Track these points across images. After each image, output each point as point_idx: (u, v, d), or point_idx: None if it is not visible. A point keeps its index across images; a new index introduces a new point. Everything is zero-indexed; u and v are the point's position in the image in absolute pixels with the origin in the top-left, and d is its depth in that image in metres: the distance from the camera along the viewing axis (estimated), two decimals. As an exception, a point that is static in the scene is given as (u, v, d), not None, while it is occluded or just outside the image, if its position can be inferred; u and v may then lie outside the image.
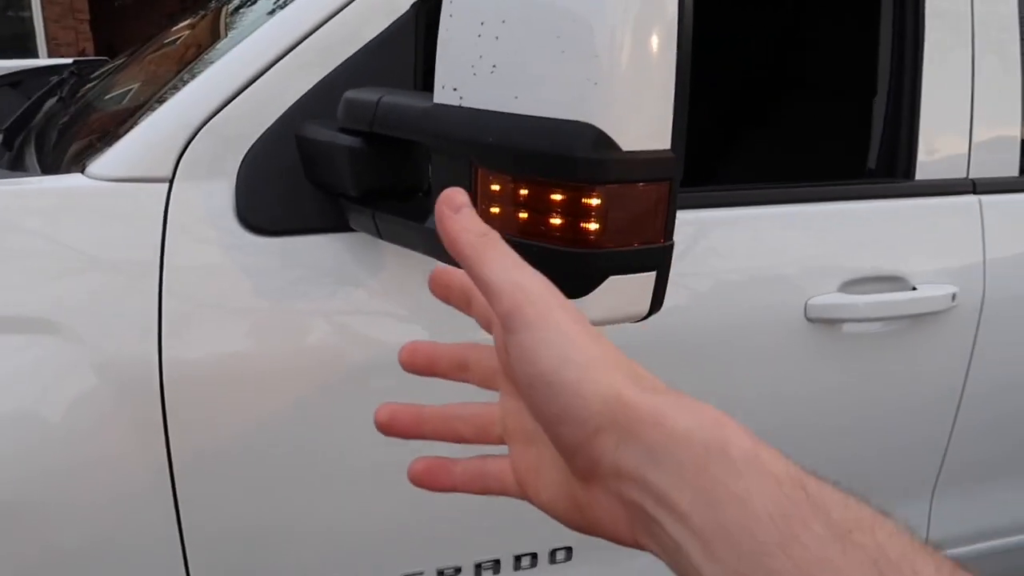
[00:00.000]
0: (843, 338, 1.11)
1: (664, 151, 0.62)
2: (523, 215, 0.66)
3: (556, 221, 0.64)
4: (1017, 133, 1.22)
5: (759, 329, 1.07)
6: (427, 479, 0.37)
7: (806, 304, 1.08)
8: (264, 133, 0.91)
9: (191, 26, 1.46)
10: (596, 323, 0.65)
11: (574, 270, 0.64)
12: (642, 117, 0.61)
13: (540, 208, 0.64)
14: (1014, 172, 1.22)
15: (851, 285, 1.11)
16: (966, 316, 1.17)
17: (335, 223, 0.92)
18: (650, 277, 0.65)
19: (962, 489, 1.28)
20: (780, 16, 1.83)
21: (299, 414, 0.92)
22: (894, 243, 1.15)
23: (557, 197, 0.63)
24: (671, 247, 0.65)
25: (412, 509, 0.98)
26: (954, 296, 1.14)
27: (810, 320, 1.08)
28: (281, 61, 0.92)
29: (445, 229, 0.33)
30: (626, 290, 0.65)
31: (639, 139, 0.61)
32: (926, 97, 1.17)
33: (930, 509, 1.27)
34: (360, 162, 0.83)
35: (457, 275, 0.38)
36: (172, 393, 0.87)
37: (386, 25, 0.94)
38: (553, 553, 1.07)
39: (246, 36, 0.97)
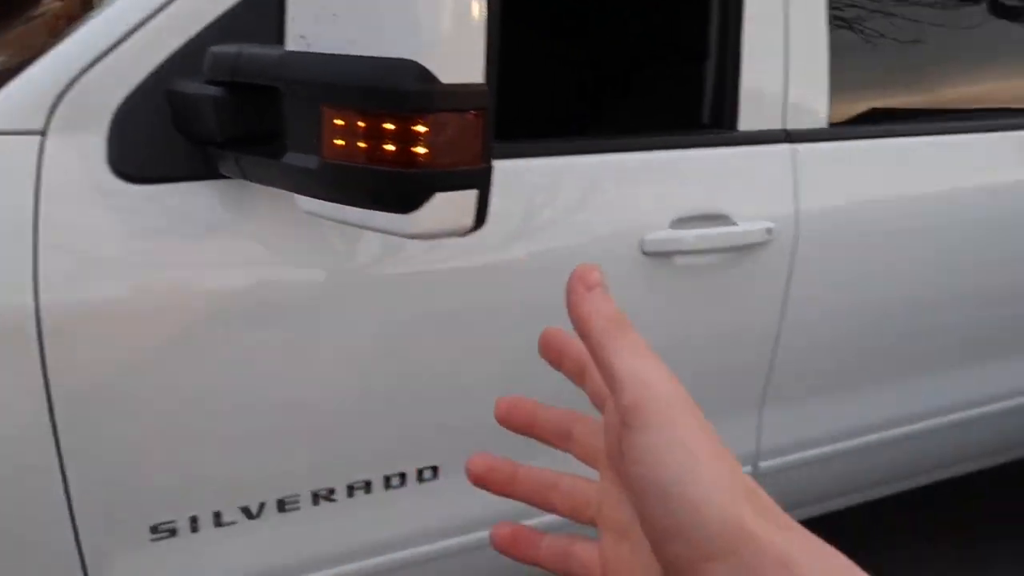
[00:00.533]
0: (675, 270, 1.26)
1: (478, 84, 0.73)
2: (362, 144, 0.76)
3: (390, 147, 0.75)
4: (825, 90, 1.40)
5: (601, 261, 1.21)
6: (510, 546, 0.36)
7: (642, 240, 1.22)
8: (135, 88, 0.98)
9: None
10: (426, 235, 0.77)
11: (406, 188, 0.75)
12: (458, 54, 0.72)
13: (376, 137, 0.75)
14: (823, 124, 1.40)
15: (681, 223, 1.26)
16: (782, 249, 1.34)
17: (205, 170, 1.00)
18: (472, 195, 0.77)
19: (788, 404, 1.46)
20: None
21: (171, 354, 1.00)
22: (720, 186, 1.31)
23: (389, 127, 0.74)
24: (489, 169, 0.77)
25: (273, 440, 1.08)
26: (769, 230, 1.31)
27: (646, 254, 1.23)
28: (152, 20, 0.99)
29: (577, 307, 0.32)
30: (452, 207, 0.76)
31: (456, 74, 0.72)
32: (746, 58, 1.33)
33: (759, 422, 1.45)
34: (224, 110, 0.91)
35: (573, 344, 0.36)
36: (50, 339, 0.93)
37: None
38: (420, 472, 1.18)
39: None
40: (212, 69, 0.92)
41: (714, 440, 0.29)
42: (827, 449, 1.54)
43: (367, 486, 1.14)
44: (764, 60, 1.35)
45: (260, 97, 0.91)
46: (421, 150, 0.74)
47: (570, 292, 0.32)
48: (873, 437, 1.59)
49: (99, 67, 0.97)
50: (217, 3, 1.01)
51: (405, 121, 0.73)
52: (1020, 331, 1.71)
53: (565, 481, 0.36)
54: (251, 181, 0.93)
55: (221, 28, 1.01)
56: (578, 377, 0.37)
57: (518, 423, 0.38)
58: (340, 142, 0.78)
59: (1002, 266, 1.62)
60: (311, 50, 0.77)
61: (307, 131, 0.81)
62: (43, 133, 0.95)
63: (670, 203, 1.26)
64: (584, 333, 0.31)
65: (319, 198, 0.82)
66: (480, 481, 0.37)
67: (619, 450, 0.30)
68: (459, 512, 1.21)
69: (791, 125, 1.37)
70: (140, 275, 0.97)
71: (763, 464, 1.47)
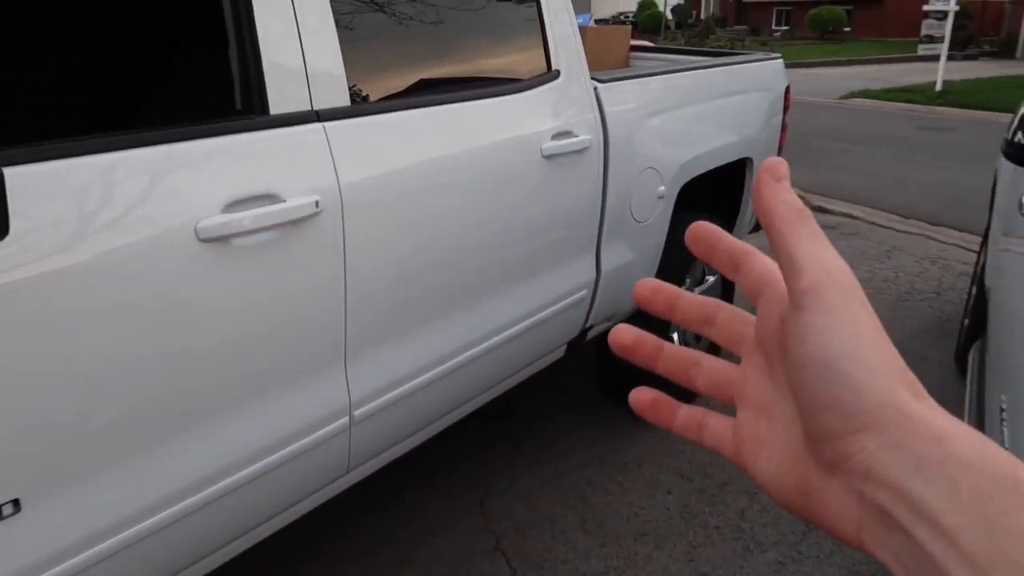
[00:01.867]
0: (234, 252, 1.33)
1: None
2: None
3: None
4: (341, 72, 1.56)
5: (159, 255, 1.22)
6: (650, 411, 0.38)
7: (196, 227, 1.26)
8: None
9: None
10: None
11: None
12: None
13: None
14: (346, 103, 1.56)
15: (233, 206, 1.32)
16: (333, 218, 1.49)
17: None
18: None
19: (368, 355, 1.64)
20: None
21: None
22: (263, 168, 1.40)
23: None
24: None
25: None
26: (317, 203, 1.44)
27: (203, 241, 1.27)
28: None
29: (763, 196, 0.32)
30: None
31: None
32: (263, 45, 1.42)
33: (346, 375, 1.61)
34: None
35: (726, 238, 0.37)
36: None
37: None
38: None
39: None
40: None
41: (878, 328, 0.30)
42: (410, 385, 1.76)
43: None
44: (281, 47, 1.45)
45: None
46: None
47: (759, 182, 0.33)
48: (445, 367, 1.85)
49: None
50: None
51: None
52: (524, 261, 2.12)
53: (707, 360, 0.39)
54: None
55: None
56: (731, 269, 0.37)
57: (660, 306, 0.39)
58: None
59: (499, 212, 1.98)
60: None
61: None
62: None
63: (219, 189, 1.31)
64: (768, 220, 0.32)
65: None
66: (627, 351, 0.39)
67: (781, 332, 0.32)
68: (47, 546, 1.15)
69: (318, 106, 1.51)
70: None
71: (357, 413, 1.64)
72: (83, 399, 1.17)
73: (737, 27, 30.31)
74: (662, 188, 2.51)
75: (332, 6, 1.55)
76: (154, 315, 1.24)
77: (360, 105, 1.60)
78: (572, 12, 2.24)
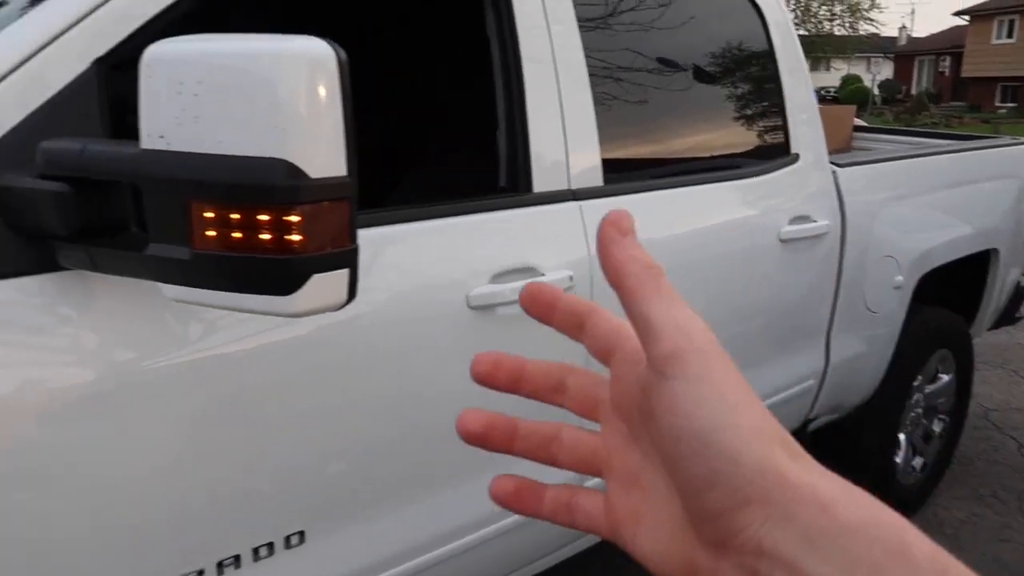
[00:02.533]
0: (499, 320, 1.42)
1: (342, 176, 0.83)
2: (237, 235, 0.82)
3: (265, 236, 0.82)
4: (597, 153, 1.63)
5: (435, 317, 1.33)
6: (514, 501, 0.35)
7: (467, 295, 1.36)
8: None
9: None
10: (305, 313, 0.84)
11: (285, 273, 0.82)
12: (322, 150, 0.81)
13: (251, 227, 0.82)
14: (599, 182, 1.63)
15: (499, 277, 1.41)
16: (582, 292, 1.54)
17: (40, 264, 0.98)
18: (345, 273, 0.86)
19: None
20: (426, 69, 2.16)
21: (29, 450, 0.96)
22: (525, 242, 1.49)
23: (264, 218, 0.81)
24: (356, 249, 0.87)
25: (161, 528, 1.07)
26: (571, 278, 1.51)
27: (472, 308, 1.37)
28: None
29: (610, 254, 0.31)
30: (328, 286, 0.84)
31: (322, 168, 0.81)
32: (532, 128, 1.53)
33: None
34: (69, 205, 0.92)
35: (560, 296, 0.35)
36: None
37: (69, 80, 1.03)
38: (288, 539, 1.21)
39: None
40: (48, 164, 0.93)
41: (747, 389, 0.28)
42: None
43: (236, 560, 1.15)
44: (547, 131, 1.55)
45: (103, 190, 0.93)
46: (296, 237, 0.81)
47: (603, 237, 0.31)
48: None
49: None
50: (33, 96, 1.00)
51: (279, 212, 0.81)
52: (754, 345, 2.06)
53: (567, 433, 0.35)
54: (103, 272, 0.94)
55: (39, 121, 1.01)
56: (574, 330, 0.35)
57: (503, 380, 0.36)
58: (212, 233, 0.83)
59: (733, 295, 1.95)
60: (171, 149, 0.82)
61: (171, 223, 0.85)
62: None
63: (488, 261, 1.41)
64: (617, 279, 0.30)
65: (192, 286, 0.86)
66: (479, 440, 0.35)
67: (643, 399, 0.30)
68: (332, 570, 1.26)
69: (575, 185, 1.59)
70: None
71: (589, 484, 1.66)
72: (365, 441, 1.28)
73: (953, 103, 28.38)
74: (899, 278, 2.38)
75: (592, 94, 1.64)
76: (428, 369, 1.34)
77: (612, 185, 1.66)
78: (814, 96, 2.22)
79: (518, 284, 1.43)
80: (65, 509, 1.00)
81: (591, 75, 1.63)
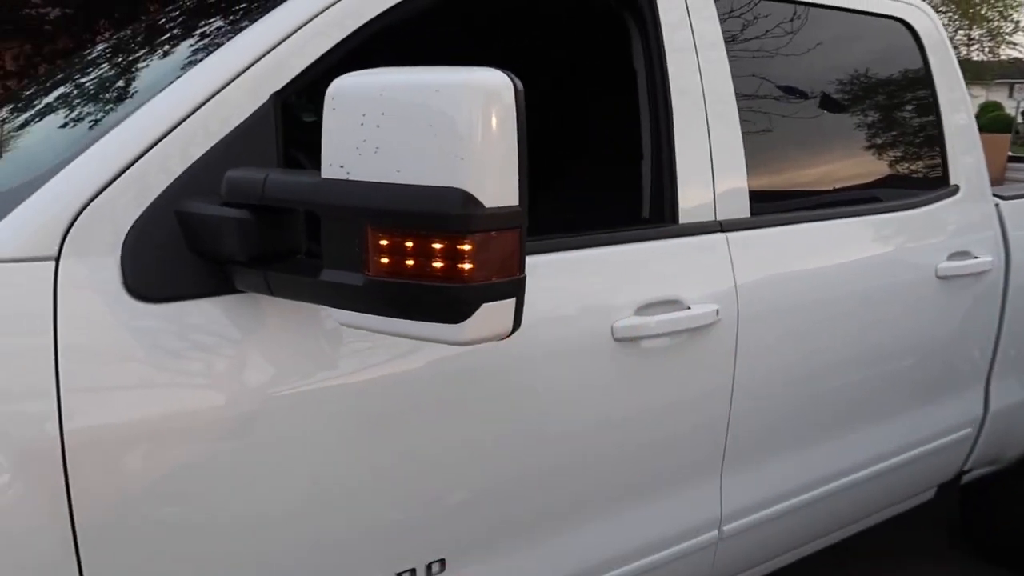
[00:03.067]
0: (643, 353, 1.39)
1: (514, 206, 0.83)
2: (410, 262, 0.84)
3: (438, 264, 0.83)
4: (744, 184, 1.59)
5: (577, 353, 1.31)
6: None
7: (612, 326, 1.34)
8: (146, 210, 1.02)
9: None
10: (473, 342, 0.84)
11: (457, 301, 0.83)
12: (496, 180, 0.82)
13: (424, 255, 0.83)
14: (746, 214, 1.58)
15: (644, 309, 1.39)
16: (728, 326, 1.49)
17: (216, 287, 1.04)
18: (512, 303, 0.86)
19: (744, 468, 1.60)
20: (566, 99, 2.17)
21: (197, 471, 1.01)
22: (670, 274, 1.45)
23: (437, 246, 0.82)
24: (524, 279, 0.87)
25: (308, 551, 1.10)
26: (717, 311, 1.46)
27: (617, 340, 1.35)
28: (157, 146, 1.04)
29: None
30: (495, 315, 0.85)
31: (495, 197, 0.82)
32: (679, 159, 1.50)
33: (721, 487, 1.58)
34: (249, 231, 0.96)
35: None
36: (75, 465, 0.92)
37: (250, 112, 1.09)
38: (429, 566, 1.22)
39: (126, 117, 1.07)
40: (232, 192, 0.98)
41: None
42: (778, 508, 1.67)
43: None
44: (694, 161, 1.52)
45: (281, 219, 0.98)
46: (467, 266, 0.82)
47: None
48: (812, 494, 1.74)
49: (111, 190, 1.00)
50: (218, 129, 1.07)
51: (452, 240, 0.82)
52: (906, 387, 1.93)
53: None
54: (279, 296, 0.98)
55: (223, 151, 1.07)
56: None
57: None
58: (385, 260, 0.85)
59: (886, 332, 1.84)
60: (351, 178, 0.85)
61: (346, 250, 0.88)
62: (56, 259, 0.97)
63: (633, 293, 1.39)
64: None
65: (365, 312, 0.88)
66: None
67: None
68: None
69: (721, 216, 1.55)
70: (166, 397, 0.98)
71: (727, 528, 1.59)
72: (508, 473, 1.28)
73: (1110, 131, 26.12)
74: (1070, 320, 2.18)
75: (740, 122, 1.59)
76: (572, 400, 1.32)
77: (760, 216, 1.61)
78: (974, 123, 2.08)
79: (664, 317, 1.40)
80: (221, 530, 1.04)
81: (738, 102, 1.59)
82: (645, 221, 1.54)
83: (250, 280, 0.99)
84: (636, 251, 1.44)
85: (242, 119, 1.08)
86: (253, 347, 1.05)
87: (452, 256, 0.82)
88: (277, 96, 1.11)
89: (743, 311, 1.51)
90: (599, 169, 1.78)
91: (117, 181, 1.01)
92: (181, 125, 1.05)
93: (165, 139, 1.04)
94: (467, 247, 0.82)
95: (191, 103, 1.07)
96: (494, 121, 0.81)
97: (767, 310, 1.57)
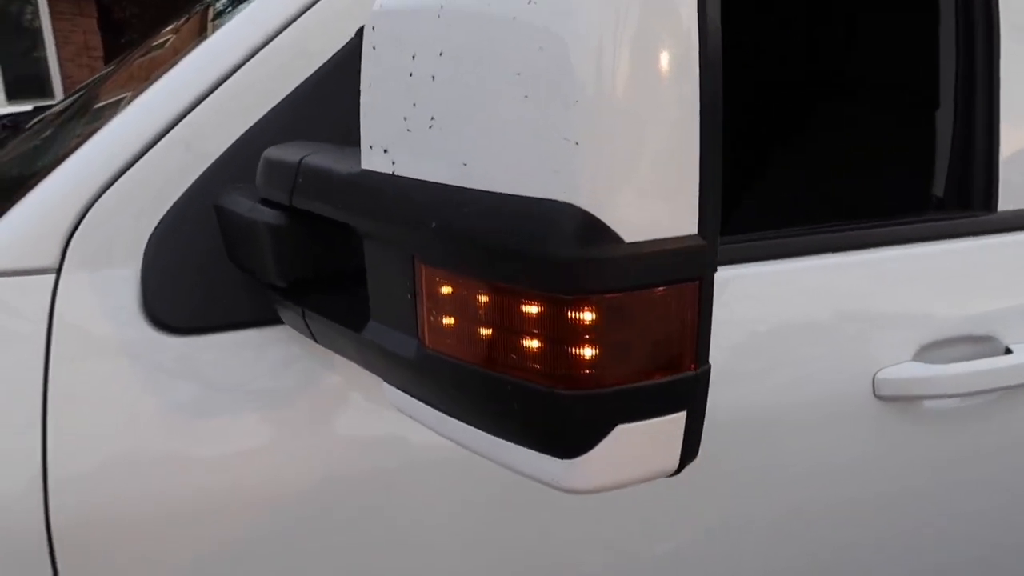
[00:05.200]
0: (925, 417, 0.89)
1: (690, 237, 0.41)
2: (486, 332, 0.45)
3: (532, 344, 0.43)
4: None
5: (814, 414, 0.85)
6: None
7: (875, 378, 0.86)
8: (175, 204, 0.72)
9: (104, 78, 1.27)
10: (599, 489, 0.44)
11: (565, 418, 0.43)
12: (649, 188, 0.40)
13: (509, 323, 0.44)
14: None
15: (929, 350, 0.88)
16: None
17: (272, 314, 0.72)
18: (679, 420, 0.44)
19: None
20: (806, 7, 1.60)
21: (234, 557, 0.72)
22: (978, 293, 0.92)
23: (532, 310, 0.42)
24: (707, 374, 0.44)
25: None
26: (1057, 356, 0.91)
27: (880, 398, 0.86)
28: (194, 111, 0.73)
29: None
30: (644, 442, 0.44)
31: (649, 223, 0.40)
32: (1005, 109, 0.94)
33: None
34: (284, 243, 0.63)
35: None
36: (63, 552, 0.67)
37: (329, 55, 0.75)
38: None
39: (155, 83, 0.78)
40: (268, 184, 0.64)
41: None
42: None
43: None
44: (1031, 110, 0.96)
45: (331, 225, 0.62)
46: (588, 352, 0.42)
47: None
48: None
49: (125, 180, 0.71)
50: (281, 79, 0.74)
51: (559, 304, 0.41)
52: None
53: None
54: (325, 347, 0.64)
55: (287, 113, 0.74)
56: None
57: None
58: (449, 321, 0.47)
59: None
60: (397, 172, 0.47)
61: (397, 294, 0.51)
62: (57, 271, 0.70)
63: (911, 323, 0.88)
64: None
65: (419, 399, 0.51)
66: None
67: None
68: None
69: (1073, 200, 0.97)
70: (190, 465, 0.70)
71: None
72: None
73: None
74: None
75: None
76: (814, 481, 0.87)
77: None
78: None
79: (962, 367, 0.88)
80: None
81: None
82: (937, 205, 1.01)
83: (290, 316, 0.66)
84: (921, 256, 0.92)
85: (319, 64, 0.74)
86: (316, 402, 0.73)
87: (559, 331, 0.42)
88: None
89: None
90: (855, 120, 1.23)
91: (135, 167, 0.71)
92: (227, 82, 0.73)
93: (207, 100, 0.73)
94: (587, 316, 0.41)
95: (242, 47, 0.74)
96: (653, 64, 0.39)
97: None
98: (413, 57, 0.45)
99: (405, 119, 0.46)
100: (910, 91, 1.05)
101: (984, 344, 0.90)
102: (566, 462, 0.43)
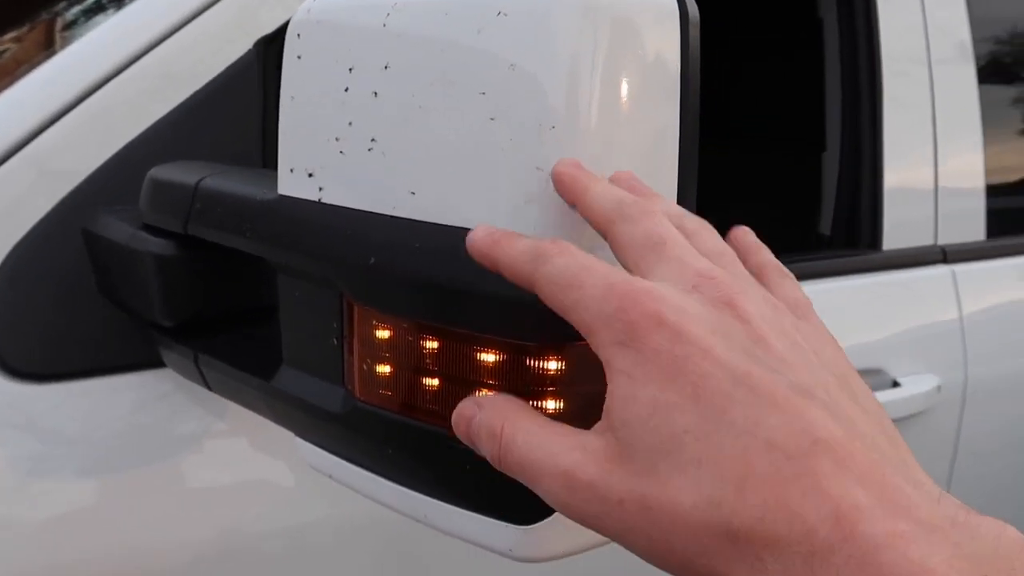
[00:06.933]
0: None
1: (662, 278, 0.38)
2: (431, 382, 0.40)
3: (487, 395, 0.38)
4: (981, 190, 1.07)
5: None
6: None
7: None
8: (35, 226, 0.62)
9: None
10: (552, 558, 0.40)
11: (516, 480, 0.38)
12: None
13: (461, 374, 0.39)
14: (981, 236, 1.06)
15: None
16: (949, 408, 0.99)
17: (149, 355, 0.63)
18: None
19: None
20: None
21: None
22: (865, 328, 0.96)
23: (488, 358, 0.38)
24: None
25: None
26: (939, 388, 0.96)
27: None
28: (66, 116, 0.63)
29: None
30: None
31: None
32: (889, 151, 1.00)
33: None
34: (174, 277, 0.55)
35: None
36: None
37: (224, 66, 0.67)
38: None
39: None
40: (153, 208, 0.56)
41: None
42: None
43: None
44: (909, 155, 1.01)
45: (231, 257, 0.55)
46: (552, 405, 0.37)
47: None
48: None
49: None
50: (174, 88, 0.66)
51: (521, 352, 0.37)
52: None
53: None
54: (220, 395, 0.56)
55: (176, 126, 0.66)
56: None
57: None
58: (385, 369, 0.41)
59: None
60: (325, 200, 0.42)
61: (319, 337, 0.45)
62: None
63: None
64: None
65: (347, 460, 0.45)
66: None
67: None
68: None
69: (945, 239, 1.03)
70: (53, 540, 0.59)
71: None
72: None
73: None
74: None
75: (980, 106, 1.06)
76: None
77: (999, 241, 1.08)
78: None
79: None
80: None
81: (979, 65, 1.06)
82: (826, 243, 1.05)
83: (178, 361, 0.58)
84: (809, 293, 0.94)
85: (214, 73, 0.67)
86: (209, 456, 0.64)
87: (519, 382, 0.38)
88: (267, 44, 0.69)
89: (973, 384, 1.00)
90: (747, 160, 1.28)
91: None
92: (108, 84, 0.64)
93: (78, 107, 0.64)
94: (551, 365, 0.37)
95: (120, 56, 0.66)
96: (632, 90, 0.36)
97: (1002, 380, 1.05)
98: (350, 70, 0.40)
99: (337, 139, 0.41)
100: (797, 135, 1.09)
101: (872, 377, 0.94)
102: (522, 528, 0.39)
